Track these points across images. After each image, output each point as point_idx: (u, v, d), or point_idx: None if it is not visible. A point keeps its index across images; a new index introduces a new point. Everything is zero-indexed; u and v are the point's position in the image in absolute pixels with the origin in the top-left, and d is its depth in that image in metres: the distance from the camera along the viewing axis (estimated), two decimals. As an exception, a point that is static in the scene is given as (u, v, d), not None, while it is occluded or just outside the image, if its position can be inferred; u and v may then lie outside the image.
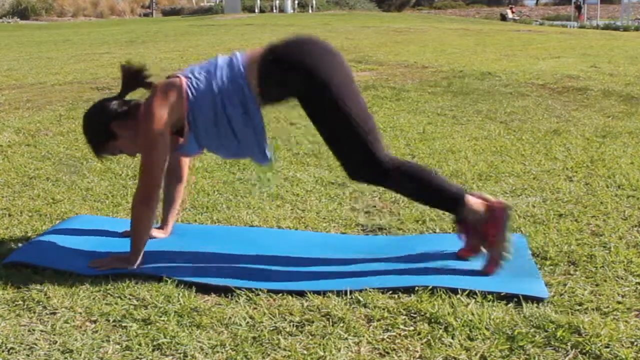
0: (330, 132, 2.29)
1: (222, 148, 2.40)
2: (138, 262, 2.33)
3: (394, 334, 1.90)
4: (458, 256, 2.38)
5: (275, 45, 2.33)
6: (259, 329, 1.93)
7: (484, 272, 2.26)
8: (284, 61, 2.27)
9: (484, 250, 2.31)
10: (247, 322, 1.97)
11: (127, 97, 2.47)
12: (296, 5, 31.26)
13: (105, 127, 2.40)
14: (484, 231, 2.28)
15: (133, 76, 2.42)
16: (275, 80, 2.28)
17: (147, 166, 2.31)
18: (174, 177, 2.64)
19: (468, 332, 1.89)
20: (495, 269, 2.25)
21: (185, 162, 2.66)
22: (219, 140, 2.36)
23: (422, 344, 1.84)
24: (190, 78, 2.33)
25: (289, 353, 1.80)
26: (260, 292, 2.14)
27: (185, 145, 2.38)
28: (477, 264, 2.35)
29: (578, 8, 28.11)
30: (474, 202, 2.28)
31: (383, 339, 1.87)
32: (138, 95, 2.47)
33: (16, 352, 1.83)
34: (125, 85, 2.44)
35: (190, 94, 2.30)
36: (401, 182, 2.29)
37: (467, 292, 2.10)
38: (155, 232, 2.63)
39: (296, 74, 2.25)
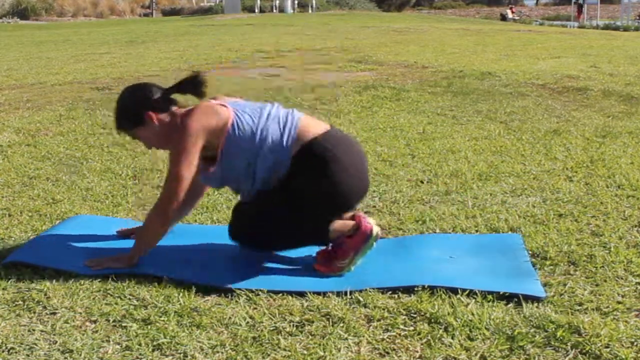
0: (285, 216, 2.30)
1: (239, 190, 2.41)
2: (134, 261, 2.33)
3: (394, 334, 1.90)
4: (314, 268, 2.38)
5: (330, 134, 2.33)
6: (259, 329, 1.93)
7: (313, 267, 2.32)
8: (319, 163, 2.28)
9: (330, 253, 2.34)
10: (247, 322, 1.97)
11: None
12: (296, 5, 31.25)
13: (140, 111, 2.37)
14: (344, 242, 2.31)
15: (194, 82, 2.38)
16: (304, 169, 2.28)
17: (173, 178, 2.29)
18: (195, 189, 2.58)
19: (468, 332, 1.89)
20: (324, 270, 2.30)
21: None
22: (238, 182, 2.36)
23: (422, 344, 1.84)
24: (238, 117, 2.31)
25: (289, 353, 1.80)
26: (260, 292, 2.14)
27: (210, 174, 2.37)
28: (474, 263, 2.36)
29: (579, 7, 28.08)
30: (339, 225, 2.34)
31: (383, 339, 1.87)
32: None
33: (16, 352, 1.83)
34: (181, 85, 2.40)
35: (232, 131, 2.28)
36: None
37: (467, 292, 2.10)
38: None
39: (317, 176, 2.27)
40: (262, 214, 2.31)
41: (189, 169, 2.28)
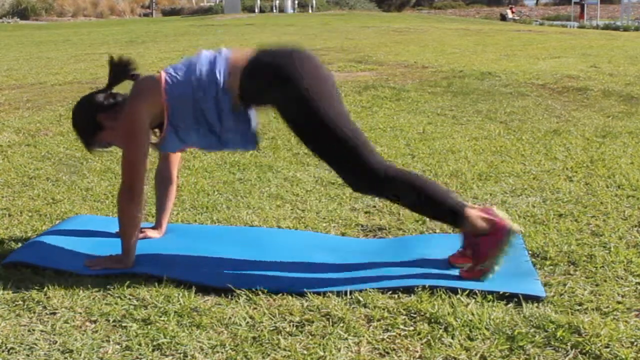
0: (316, 147, 2.26)
1: (201, 143, 2.40)
2: (131, 261, 2.34)
3: (394, 334, 1.90)
4: (449, 262, 2.35)
5: (262, 51, 2.32)
6: (259, 329, 1.93)
7: (459, 276, 2.23)
8: (266, 69, 2.25)
9: (472, 258, 2.26)
10: (247, 322, 1.97)
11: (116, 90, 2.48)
12: (296, 5, 31.25)
13: (92, 119, 2.40)
14: (480, 242, 2.22)
15: (120, 68, 2.41)
16: (255, 87, 2.27)
17: (128, 160, 2.31)
18: (164, 178, 2.65)
19: (468, 332, 1.89)
20: (470, 277, 2.21)
21: (175, 163, 2.66)
22: (197, 135, 2.35)
23: (422, 344, 1.84)
24: (170, 73, 2.32)
25: (289, 353, 1.80)
26: (260, 292, 2.14)
27: (165, 140, 2.37)
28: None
29: (581, 7, 28.06)
30: (476, 217, 2.22)
31: (383, 339, 1.87)
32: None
33: (16, 352, 1.83)
34: (112, 77, 2.44)
35: (167, 88, 2.29)
36: (399, 192, 2.24)
37: (467, 292, 2.10)
38: (149, 232, 2.63)
39: (275, 83, 2.23)
40: (322, 158, 2.27)
41: (141, 150, 2.30)
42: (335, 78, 2.35)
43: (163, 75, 2.32)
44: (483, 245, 2.21)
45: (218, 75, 2.27)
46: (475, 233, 2.22)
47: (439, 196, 2.24)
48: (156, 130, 2.42)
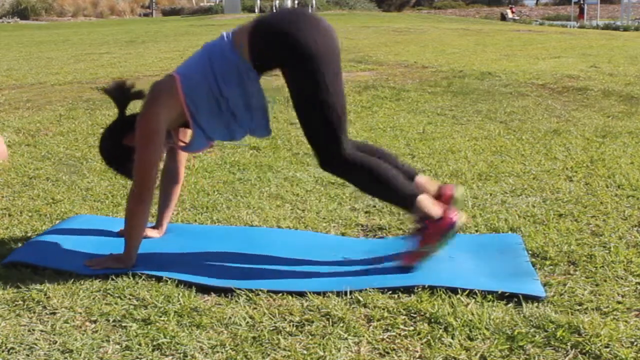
0: (305, 111, 2.27)
1: (228, 134, 2.41)
2: (132, 261, 2.34)
3: (394, 334, 1.90)
4: (395, 259, 2.36)
5: (265, 16, 2.33)
6: (259, 329, 1.93)
7: (396, 258, 2.31)
8: (272, 31, 2.25)
9: (415, 238, 2.32)
10: (247, 322, 1.97)
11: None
12: (296, 5, 31.25)
13: (119, 145, 2.42)
14: (427, 226, 2.30)
15: (118, 93, 2.43)
16: (264, 49, 2.26)
17: (140, 164, 2.32)
18: (171, 177, 2.65)
19: (468, 332, 1.89)
20: (410, 262, 2.29)
21: (182, 162, 2.67)
22: (224, 125, 2.36)
23: (422, 344, 1.84)
24: (181, 73, 2.32)
25: (289, 353, 1.80)
26: (260, 292, 2.14)
27: (193, 141, 2.39)
28: (474, 263, 2.36)
29: (581, 8, 28.06)
30: (428, 204, 2.30)
31: (383, 339, 1.87)
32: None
33: (16, 352, 1.83)
34: (118, 104, 2.45)
35: (184, 86, 2.29)
36: (357, 174, 2.31)
37: (467, 292, 2.10)
38: (149, 232, 2.63)
39: (281, 42, 2.23)
40: (304, 124, 2.29)
41: (155, 152, 2.32)
42: (338, 42, 2.35)
43: (176, 77, 2.32)
44: (429, 229, 2.29)
45: (230, 52, 2.27)
46: (426, 217, 2.30)
47: (394, 185, 2.31)
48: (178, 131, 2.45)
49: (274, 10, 2.27)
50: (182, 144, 2.50)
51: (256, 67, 2.28)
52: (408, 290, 2.14)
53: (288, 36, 2.22)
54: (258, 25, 2.28)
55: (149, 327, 1.94)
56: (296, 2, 30.98)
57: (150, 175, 2.33)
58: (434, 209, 2.31)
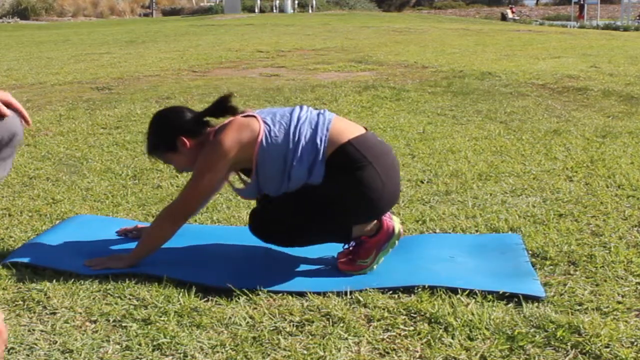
0: (307, 212, 2.26)
1: (276, 192, 2.34)
2: (132, 263, 2.33)
3: (394, 334, 1.90)
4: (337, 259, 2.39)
5: (365, 138, 2.28)
6: (259, 329, 1.93)
7: (334, 264, 2.34)
8: (354, 161, 2.23)
9: (352, 252, 2.34)
10: (247, 322, 1.97)
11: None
12: (296, 5, 31.25)
13: (172, 137, 2.36)
14: (364, 241, 2.32)
15: (226, 104, 2.35)
16: (342, 164, 2.23)
17: (195, 187, 2.29)
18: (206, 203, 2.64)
19: (468, 332, 1.89)
20: (347, 269, 2.31)
21: None
22: (277, 186, 2.30)
23: (422, 344, 1.84)
24: (268, 125, 2.27)
25: (289, 353, 1.80)
26: (260, 292, 2.14)
27: (249, 188, 2.36)
28: (474, 263, 2.36)
29: (581, 7, 28.05)
30: (360, 228, 2.32)
31: (383, 339, 1.87)
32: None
33: (16, 352, 1.82)
34: (214, 108, 2.37)
35: (264, 141, 2.25)
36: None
37: (467, 292, 2.10)
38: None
39: (353, 185, 2.23)
40: (287, 213, 2.28)
41: (211, 183, 2.28)
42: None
43: (261, 124, 2.27)
44: (367, 244, 2.31)
45: (319, 144, 2.24)
46: (364, 234, 2.33)
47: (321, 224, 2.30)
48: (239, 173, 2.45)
49: (372, 136, 2.36)
50: (238, 185, 2.46)
51: (326, 163, 2.25)
52: (408, 290, 2.14)
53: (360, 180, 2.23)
54: (348, 147, 2.24)
55: (149, 327, 1.94)
56: (296, 2, 30.97)
57: (198, 202, 2.32)
58: (367, 225, 2.32)
